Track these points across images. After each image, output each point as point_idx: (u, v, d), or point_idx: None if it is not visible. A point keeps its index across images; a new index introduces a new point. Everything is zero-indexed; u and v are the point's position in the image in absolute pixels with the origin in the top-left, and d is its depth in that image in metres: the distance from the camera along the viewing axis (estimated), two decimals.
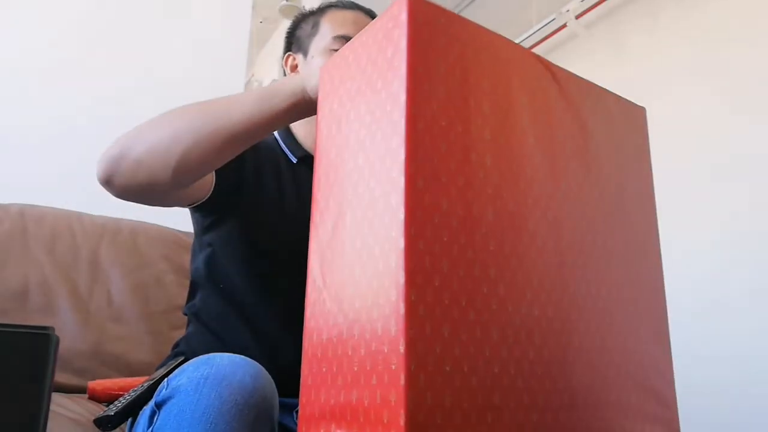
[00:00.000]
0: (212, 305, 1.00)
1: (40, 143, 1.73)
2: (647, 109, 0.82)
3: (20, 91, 1.77)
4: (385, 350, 0.52)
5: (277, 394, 0.70)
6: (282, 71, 1.19)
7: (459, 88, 0.60)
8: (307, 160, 1.05)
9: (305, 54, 1.10)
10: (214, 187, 0.94)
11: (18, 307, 1.24)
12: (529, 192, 0.63)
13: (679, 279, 1.14)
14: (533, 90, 0.68)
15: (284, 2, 3.54)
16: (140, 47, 1.87)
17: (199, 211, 1.00)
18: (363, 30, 0.66)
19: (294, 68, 1.13)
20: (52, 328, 0.44)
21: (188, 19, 1.96)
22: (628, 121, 0.79)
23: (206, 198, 0.94)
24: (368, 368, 0.54)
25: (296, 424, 0.88)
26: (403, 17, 0.59)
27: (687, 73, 1.92)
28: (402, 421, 0.49)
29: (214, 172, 0.92)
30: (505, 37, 0.67)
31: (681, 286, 1.29)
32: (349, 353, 0.57)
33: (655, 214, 0.78)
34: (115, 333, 1.29)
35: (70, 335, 1.24)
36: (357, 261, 0.58)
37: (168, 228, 1.52)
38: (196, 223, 1.06)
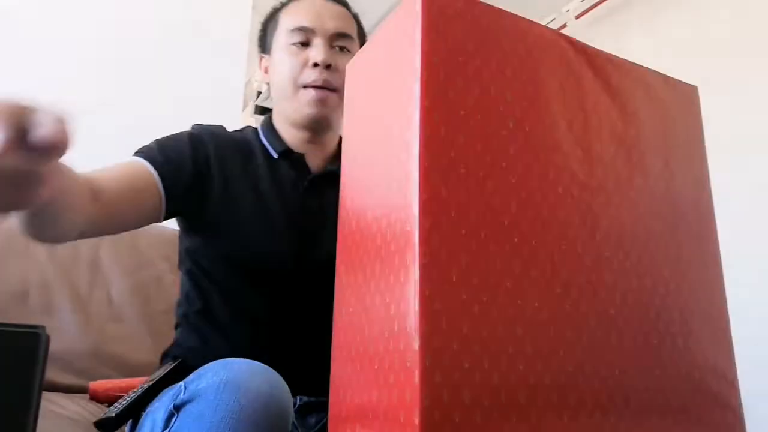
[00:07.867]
0: (201, 312, 0.93)
1: None
2: None
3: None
4: (401, 347, 0.51)
5: (292, 402, 0.67)
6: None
7: (478, 77, 0.58)
8: (289, 156, 0.96)
9: (270, 53, 1.01)
10: (165, 213, 0.86)
11: (18, 307, 1.20)
12: (558, 181, 0.60)
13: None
14: (564, 75, 0.64)
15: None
16: (139, 47, 1.81)
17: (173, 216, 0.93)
18: (384, 23, 0.65)
19: (267, 70, 1.03)
20: (43, 327, 0.43)
21: (188, 19, 1.90)
22: (679, 103, 0.73)
23: (162, 218, 0.87)
24: (386, 367, 0.53)
25: (294, 425, 0.82)
26: (418, 7, 0.57)
27: (687, 73, 1.83)
28: (417, 420, 0.48)
29: (163, 194, 0.84)
30: (533, 22, 0.64)
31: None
32: (370, 353, 0.56)
33: (710, 204, 0.71)
34: (115, 333, 1.26)
35: (70, 335, 1.19)
36: (371, 257, 0.57)
37: (168, 228, 1.40)
38: (178, 225, 0.98)
